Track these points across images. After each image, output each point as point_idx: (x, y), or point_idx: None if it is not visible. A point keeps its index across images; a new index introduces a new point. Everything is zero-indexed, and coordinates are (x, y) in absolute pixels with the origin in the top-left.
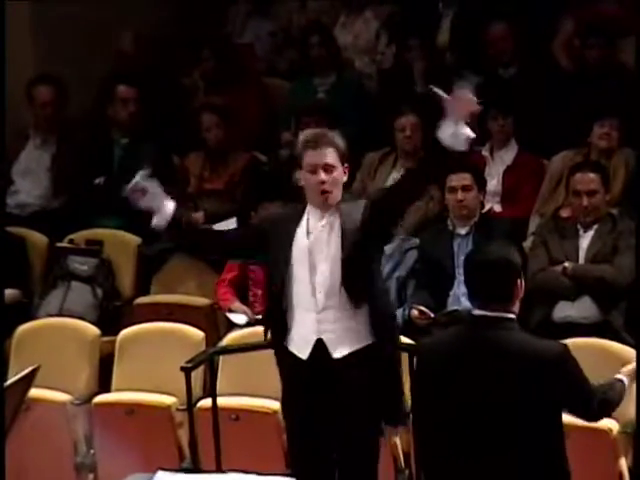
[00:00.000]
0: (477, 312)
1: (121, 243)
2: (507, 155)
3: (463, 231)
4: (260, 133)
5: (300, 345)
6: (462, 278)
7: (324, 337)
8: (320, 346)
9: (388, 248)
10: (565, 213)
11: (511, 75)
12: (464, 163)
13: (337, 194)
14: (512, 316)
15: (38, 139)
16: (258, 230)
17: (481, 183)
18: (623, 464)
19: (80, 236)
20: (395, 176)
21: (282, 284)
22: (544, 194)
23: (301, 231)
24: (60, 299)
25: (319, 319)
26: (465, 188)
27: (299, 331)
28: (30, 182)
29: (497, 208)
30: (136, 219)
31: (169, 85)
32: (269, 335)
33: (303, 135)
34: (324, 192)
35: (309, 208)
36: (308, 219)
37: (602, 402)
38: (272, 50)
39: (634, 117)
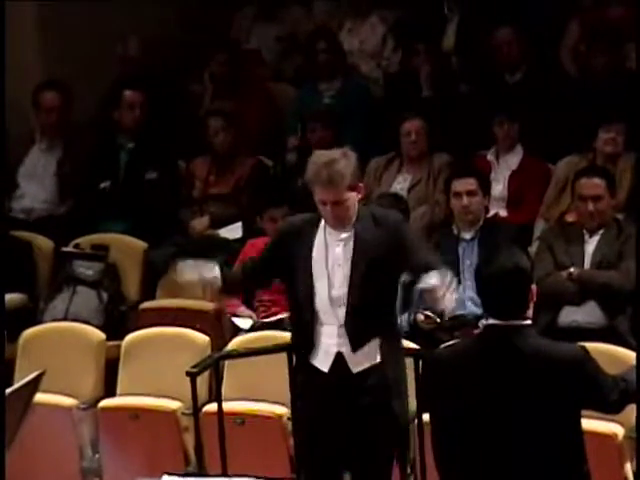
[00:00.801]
0: (493, 322)
1: (127, 248)
2: (512, 160)
3: (468, 236)
4: (266, 138)
5: (321, 357)
6: (468, 283)
7: (344, 350)
8: (340, 359)
9: None
10: (571, 218)
11: (517, 80)
12: (469, 168)
13: (350, 216)
14: (528, 322)
15: (44, 144)
16: (277, 252)
17: (486, 188)
18: (628, 469)
19: (86, 241)
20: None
21: (304, 298)
22: (549, 199)
23: (319, 244)
24: (66, 303)
25: (340, 333)
26: (470, 193)
27: (321, 344)
28: (36, 186)
29: (502, 213)
30: (142, 223)
31: (175, 90)
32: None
33: (311, 166)
34: (334, 222)
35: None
36: (325, 232)
37: (622, 392)
38: (278, 55)
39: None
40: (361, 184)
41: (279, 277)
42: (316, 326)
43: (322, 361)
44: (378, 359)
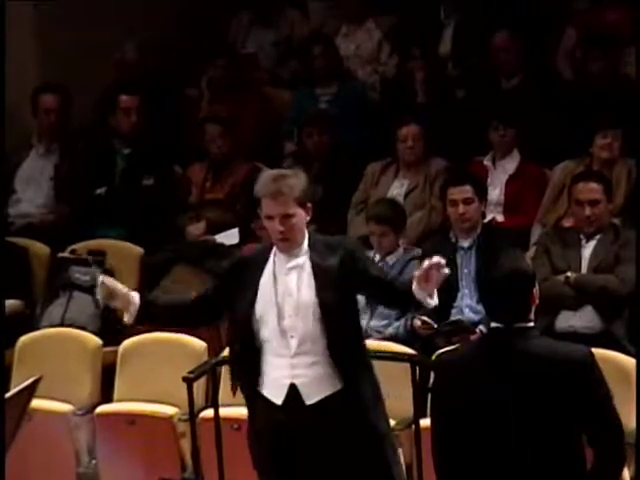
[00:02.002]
0: (497, 325)
1: (123, 253)
2: (509, 165)
3: (466, 244)
4: (262, 143)
5: (274, 390)
6: (466, 291)
7: (297, 382)
8: (294, 391)
9: (390, 258)
10: (568, 223)
11: (514, 85)
12: (464, 175)
13: (299, 237)
14: (532, 324)
15: (41, 148)
16: (223, 286)
17: (482, 194)
18: (626, 475)
19: (82, 246)
20: (397, 185)
21: (248, 329)
22: (546, 204)
23: (267, 273)
24: (62, 309)
25: (292, 364)
26: (466, 201)
27: (272, 376)
28: (33, 191)
29: (499, 218)
30: (139, 229)
31: (171, 95)
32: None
33: (260, 180)
34: (282, 240)
35: (275, 249)
36: (275, 261)
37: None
38: (275, 60)
39: (636, 127)
40: (310, 205)
41: (224, 311)
42: (265, 358)
43: (275, 394)
44: (335, 388)
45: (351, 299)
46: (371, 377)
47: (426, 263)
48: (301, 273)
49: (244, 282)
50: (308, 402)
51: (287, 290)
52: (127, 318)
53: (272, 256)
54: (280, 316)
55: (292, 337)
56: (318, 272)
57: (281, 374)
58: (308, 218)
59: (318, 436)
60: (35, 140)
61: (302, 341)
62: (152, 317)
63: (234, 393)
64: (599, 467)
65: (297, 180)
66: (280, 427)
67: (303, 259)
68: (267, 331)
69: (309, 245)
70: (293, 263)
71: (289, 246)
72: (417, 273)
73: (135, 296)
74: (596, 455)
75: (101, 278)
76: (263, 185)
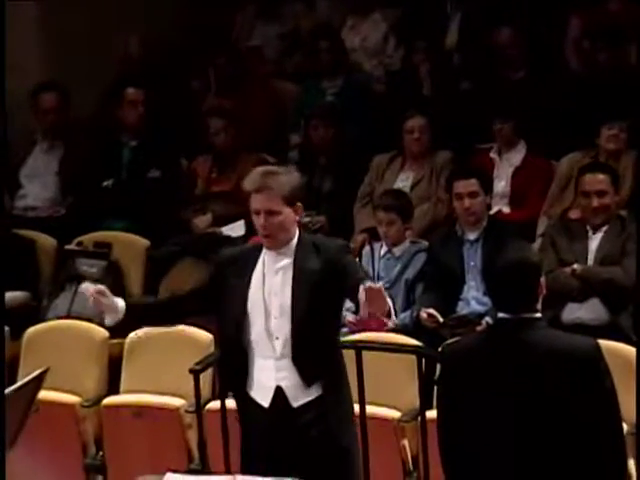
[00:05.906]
0: (504, 315)
1: (129, 245)
2: (515, 157)
3: (472, 236)
4: (269, 135)
5: (261, 392)
6: (472, 283)
7: (283, 385)
8: (280, 394)
9: (397, 250)
10: (574, 215)
11: (520, 77)
12: (470, 169)
13: (282, 236)
14: (539, 315)
15: (45, 144)
16: (214, 282)
17: (487, 187)
18: (632, 465)
19: (88, 239)
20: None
21: (237, 329)
22: (552, 196)
23: (257, 274)
24: (68, 301)
25: (278, 366)
26: (472, 195)
27: (259, 378)
28: (38, 186)
29: (505, 210)
30: (145, 221)
31: (177, 88)
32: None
33: (250, 175)
34: (266, 236)
35: (265, 248)
36: (264, 260)
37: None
38: (281, 53)
39: None
40: (300, 204)
41: (215, 308)
42: (252, 358)
43: (261, 396)
44: (319, 391)
45: (330, 305)
46: (343, 387)
47: (367, 285)
48: (287, 274)
49: (234, 281)
50: (295, 404)
51: (273, 291)
52: (108, 321)
53: (262, 255)
54: (267, 318)
55: (277, 339)
56: (298, 274)
57: (267, 376)
58: (298, 218)
59: (298, 440)
60: (39, 137)
61: (286, 343)
62: (150, 319)
63: (224, 395)
64: (601, 460)
65: (288, 178)
66: (267, 429)
67: (290, 260)
68: (254, 332)
69: (297, 245)
70: (281, 263)
71: (272, 244)
72: (360, 296)
73: (120, 303)
74: (596, 447)
75: (83, 287)
76: (252, 179)
